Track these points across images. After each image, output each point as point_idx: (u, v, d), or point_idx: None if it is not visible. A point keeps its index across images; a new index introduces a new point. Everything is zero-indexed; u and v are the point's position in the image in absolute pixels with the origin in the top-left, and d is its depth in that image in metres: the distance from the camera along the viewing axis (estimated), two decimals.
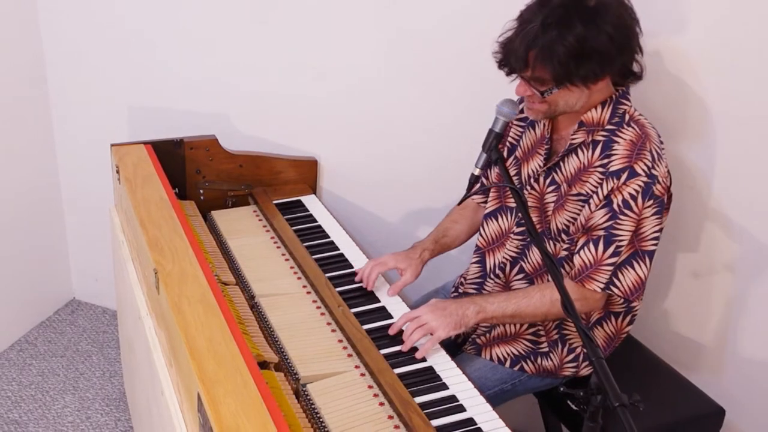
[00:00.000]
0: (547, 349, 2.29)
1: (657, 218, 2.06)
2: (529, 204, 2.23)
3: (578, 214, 2.12)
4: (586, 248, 2.09)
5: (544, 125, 2.23)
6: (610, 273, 2.07)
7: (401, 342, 2.14)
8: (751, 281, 2.54)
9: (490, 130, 2.00)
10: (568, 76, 1.97)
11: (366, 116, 2.87)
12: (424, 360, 2.08)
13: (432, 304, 2.16)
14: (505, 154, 2.34)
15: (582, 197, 2.11)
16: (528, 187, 2.25)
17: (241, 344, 1.78)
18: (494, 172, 2.39)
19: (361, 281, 2.39)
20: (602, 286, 2.08)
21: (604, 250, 2.06)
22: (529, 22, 1.98)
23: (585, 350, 2.26)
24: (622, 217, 2.03)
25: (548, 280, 2.23)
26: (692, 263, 2.62)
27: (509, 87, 2.11)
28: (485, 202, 2.42)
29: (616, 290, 2.08)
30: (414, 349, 2.11)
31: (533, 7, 2.01)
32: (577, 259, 2.11)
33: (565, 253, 2.19)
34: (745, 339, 2.62)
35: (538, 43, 1.95)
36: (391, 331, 2.17)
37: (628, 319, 2.30)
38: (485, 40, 2.11)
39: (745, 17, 2.29)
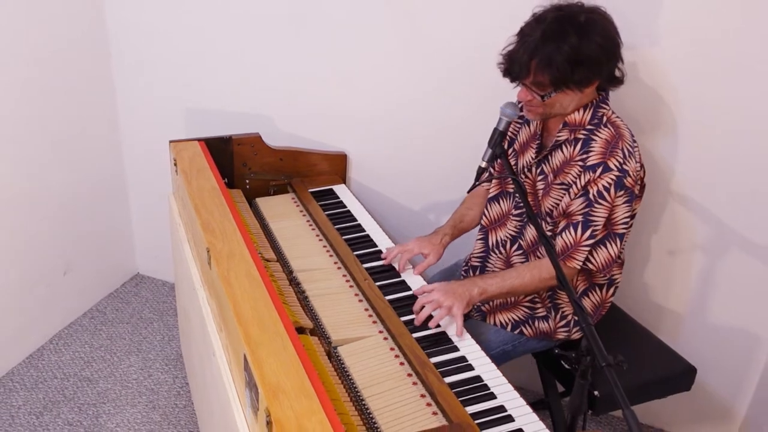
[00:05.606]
0: (543, 314, 2.30)
1: (627, 206, 2.08)
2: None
3: (560, 200, 2.14)
4: (566, 231, 2.11)
5: (536, 123, 2.24)
6: (587, 252, 2.11)
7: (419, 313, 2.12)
8: (718, 257, 2.55)
9: (495, 129, 2.00)
10: (565, 81, 1.99)
11: (389, 116, 2.87)
12: (438, 326, 2.08)
13: (442, 288, 2.13)
14: (505, 146, 2.34)
15: (564, 186, 2.13)
16: (523, 176, 2.27)
17: (281, 312, 1.79)
18: (498, 164, 2.39)
19: (384, 261, 2.38)
20: (581, 263, 2.11)
21: (582, 233, 2.08)
22: (529, 35, 1.99)
23: (576, 317, 2.27)
24: (596, 205, 2.05)
25: (540, 255, 2.24)
26: (668, 243, 2.62)
27: (512, 92, 2.11)
28: None
29: (591, 266, 2.13)
30: (429, 317, 2.09)
31: (532, 22, 2.02)
32: (559, 241, 2.12)
33: (550, 233, 2.21)
34: (714, 307, 2.63)
35: (539, 53, 1.96)
36: (417, 322, 2.09)
37: (612, 290, 2.31)
38: (492, 51, 2.12)
39: (709, 33, 2.30)
